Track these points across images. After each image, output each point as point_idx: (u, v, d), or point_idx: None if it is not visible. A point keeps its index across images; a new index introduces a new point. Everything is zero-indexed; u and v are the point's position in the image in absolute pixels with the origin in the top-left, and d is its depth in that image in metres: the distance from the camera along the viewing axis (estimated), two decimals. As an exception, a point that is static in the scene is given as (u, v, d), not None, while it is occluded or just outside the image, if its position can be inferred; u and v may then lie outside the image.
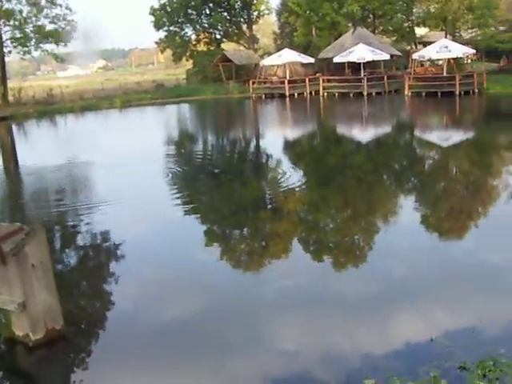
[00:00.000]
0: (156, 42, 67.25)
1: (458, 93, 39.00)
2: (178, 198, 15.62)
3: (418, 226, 12.29)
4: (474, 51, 44.07)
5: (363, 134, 28.19)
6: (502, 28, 50.30)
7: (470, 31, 53.45)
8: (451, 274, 9.18)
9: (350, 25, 55.50)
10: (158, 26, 64.00)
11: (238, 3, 63.29)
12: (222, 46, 66.23)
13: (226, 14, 64.58)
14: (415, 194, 15.66)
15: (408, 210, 13.67)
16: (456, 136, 26.00)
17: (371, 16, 58.73)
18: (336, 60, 46.28)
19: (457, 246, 11.00)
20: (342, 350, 7.00)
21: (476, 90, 39.82)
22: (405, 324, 7.48)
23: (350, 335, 7.33)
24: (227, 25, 64.91)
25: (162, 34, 65.25)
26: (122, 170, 19.72)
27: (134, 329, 7.85)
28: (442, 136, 26.08)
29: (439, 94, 39.44)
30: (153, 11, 63.61)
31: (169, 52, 70.79)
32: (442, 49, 41.26)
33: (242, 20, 65.97)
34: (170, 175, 18.66)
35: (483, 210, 13.85)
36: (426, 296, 8.37)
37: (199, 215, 14.11)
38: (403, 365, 6.40)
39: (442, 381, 5.77)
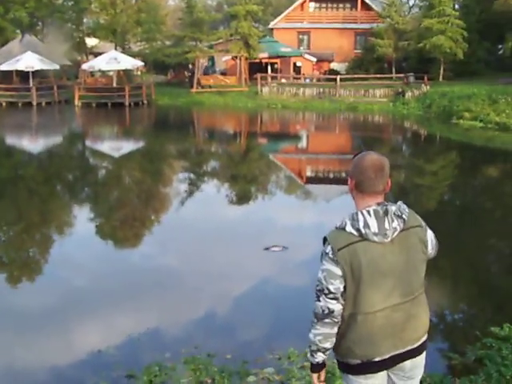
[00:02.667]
0: None
1: (128, 104, 39.84)
2: None
3: (94, 235, 12.18)
4: (143, 63, 45.44)
5: (33, 144, 27.22)
6: (168, 42, 52.54)
7: (139, 44, 54.93)
8: (130, 282, 9.20)
9: (18, 31, 53.45)
10: None
11: None
12: None
13: None
14: (89, 205, 15.49)
15: (83, 220, 13.44)
16: (127, 146, 26.52)
17: (40, 24, 57.27)
18: (3, 68, 44.07)
19: (133, 253, 11.11)
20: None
21: (145, 101, 41.13)
22: (75, 336, 7.29)
23: (20, 352, 6.91)
24: None
25: None
26: None
27: None
28: (113, 146, 26.40)
29: (109, 104, 39.86)
30: None
31: None
32: (111, 60, 41.77)
33: None
34: None
35: (156, 216, 14.33)
36: (102, 306, 8.27)
37: None
38: (70, 380, 6.20)
39: (108, 392, 5.74)
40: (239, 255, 10.49)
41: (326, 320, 3.20)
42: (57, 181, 18.76)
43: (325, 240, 3.24)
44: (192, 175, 20.07)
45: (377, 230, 3.14)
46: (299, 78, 47.94)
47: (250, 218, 13.80)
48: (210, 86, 45.12)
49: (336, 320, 3.20)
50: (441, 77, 43.43)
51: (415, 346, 3.34)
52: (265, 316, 7.93)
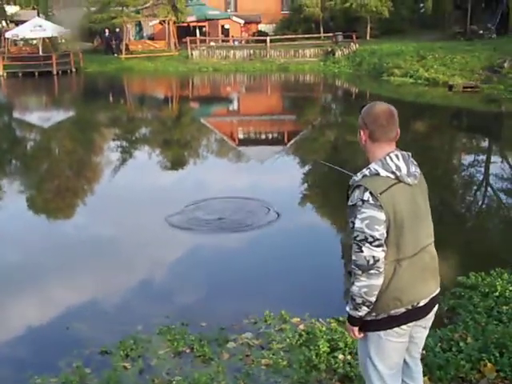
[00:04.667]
0: None
1: (55, 72, 38.58)
2: None
3: (26, 209, 11.84)
4: (69, 30, 43.87)
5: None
6: (93, 8, 50.51)
7: (63, 10, 52.95)
8: (76, 254, 8.95)
9: None
10: None
11: None
12: None
13: None
14: (19, 178, 14.99)
15: (12, 193, 13.05)
16: (56, 115, 25.74)
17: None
18: None
19: (69, 224, 10.92)
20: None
21: (74, 69, 39.91)
22: (34, 316, 7.03)
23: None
24: None
25: None
26: None
27: None
28: (42, 116, 25.53)
29: (37, 74, 38.44)
30: None
31: None
32: (36, 27, 40.36)
33: None
34: None
35: (89, 186, 14.05)
36: (50, 282, 8.07)
37: None
38: (41, 361, 5.93)
39: (86, 369, 5.55)
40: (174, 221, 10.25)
41: (372, 271, 3.13)
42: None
43: (355, 188, 3.21)
44: (123, 142, 19.79)
45: (407, 172, 3.19)
46: (228, 41, 47.43)
47: (184, 183, 13.68)
48: (130, 52, 43.87)
49: (381, 270, 3.13)
50: (368, 35, 43.61)
51: (439, 289, 3.45)
52: (224, 280, 7.89)
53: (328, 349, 5.31)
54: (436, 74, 29.61)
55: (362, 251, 3.12)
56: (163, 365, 5.51)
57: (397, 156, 3.21)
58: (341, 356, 5.21)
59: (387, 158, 3.19)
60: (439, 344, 5.15)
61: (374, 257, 3.11)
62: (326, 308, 6.61)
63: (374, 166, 3.19)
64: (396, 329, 3.30)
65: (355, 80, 34.79)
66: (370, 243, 3.10)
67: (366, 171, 3.21)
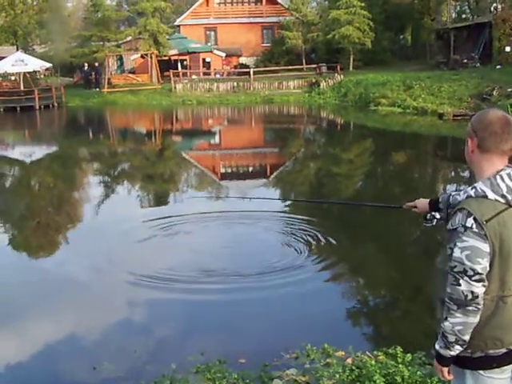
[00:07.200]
0: None
1: (38, 107, 38.27)
2: None
3: (5, 245, 11.05)
4: (51, 65, 43.62)
5: None
6: (73, 44, 50.26)
7: (43, 46, 52.83)
8: (88, 291, 8.53)
9: None
10: None
11: None
12: None
13: None
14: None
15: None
16: (39, 151, 25.14)
17: None
18: None
19: (47, 261, 10.24)
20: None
21: (56, 104, 39.64)
22: (54, 356, 6.61)
23: None
24: None
25: None
26: None
27: None
28: (25, 152, 24.90)
29: (18, 108, 38.13)
30: None
31: None
32: (17, 62, 40.05)
33: None
34: None
35: (71, 222, 13.23)
36: (68, 319, 7.62)
37: None
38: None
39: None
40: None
41: (470, 307, 2.77)
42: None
43: (457, 210, 2.83)
44: (105, 178, 19.04)
45: None
46: (209, 74, 47.45)
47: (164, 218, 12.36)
48: (113, 86, 43.76)
49: (479, 306, 2.77)
50: (351, 66, 43.90)
51: None
52: (252, 315, 7.52)
53: (386, 384, 4.96)
54: (424, 102, 29.78)
55: (459, 284, 2.77)
56: (208, 406, 5.12)
57: (509, 175, 2.81)
58: (402, 392, 4.86)
59: (497, 177, 2.80)
60: None
61: (472, 292, 2.75)
62: (366, 341, 6.28)
63: (481, 186, 2.81)
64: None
65: (341, 111, 34.91)
66: (470, 277, 2.74)
67: (470, 191, 2.82)
